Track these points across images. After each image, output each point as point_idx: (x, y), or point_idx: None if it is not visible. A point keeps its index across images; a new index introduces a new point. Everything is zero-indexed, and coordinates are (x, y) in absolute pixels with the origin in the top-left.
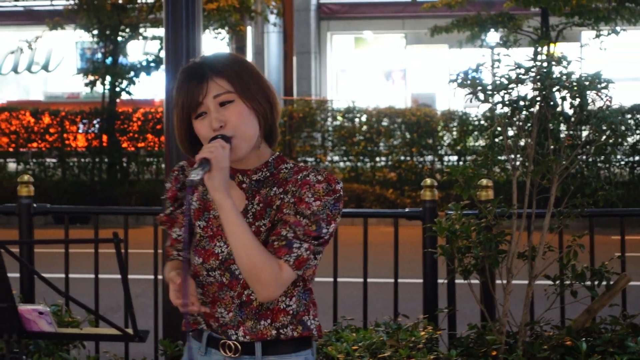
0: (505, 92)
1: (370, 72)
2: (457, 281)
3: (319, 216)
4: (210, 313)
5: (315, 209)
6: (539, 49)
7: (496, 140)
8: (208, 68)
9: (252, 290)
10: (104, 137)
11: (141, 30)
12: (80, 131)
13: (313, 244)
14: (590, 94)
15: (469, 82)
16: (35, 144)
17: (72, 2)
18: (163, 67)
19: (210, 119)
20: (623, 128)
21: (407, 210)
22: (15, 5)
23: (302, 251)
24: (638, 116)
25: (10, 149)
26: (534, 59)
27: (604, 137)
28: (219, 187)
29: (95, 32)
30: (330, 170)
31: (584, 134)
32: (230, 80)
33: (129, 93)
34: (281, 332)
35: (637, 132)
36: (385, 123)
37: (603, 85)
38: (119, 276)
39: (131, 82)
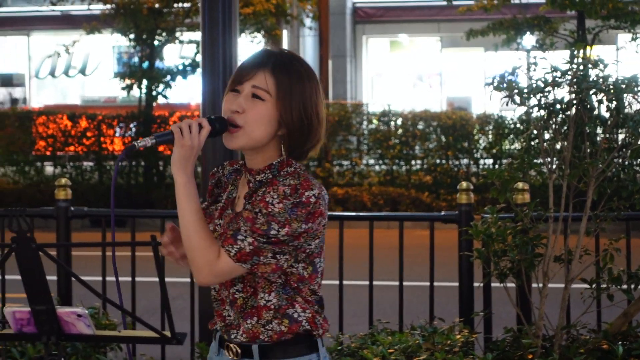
0: (542, 95)
1: (405, 76)
2: (493, 284)
3: (274, 217)
4: (219, 311)
5: (275, 210)
6: (576, 52)
7: (532, 143)
8: (272, 60)
9: (238, 289)
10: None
11: (177, 34)
12: (117, 135)
13: (259, 240)
14: (627, 97)
15: (505, 85)
16: (72, 148)
17: (109, 7)
18: (199, 70)
19: (237, 99)
20: None
21: (443, 213)
22: (53, 10)
23: (245, 244)
24: None
25: (48, 153)
26: (571, 62)
27: None
28: (176, 161)
29: (132, 36)
30: (310, 177)
31: (621, 137)
32: (277, 83)
33: (165, 97)
34: (268, 328)
35: None
36: (420, 126)
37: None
38: (156, 279)
39: (167, 85)
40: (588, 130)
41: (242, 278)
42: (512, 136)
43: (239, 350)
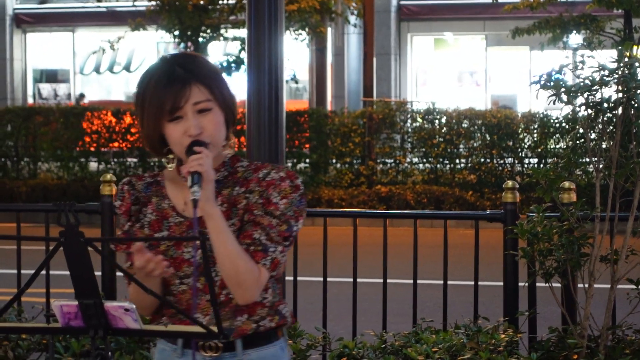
0: (589, 94)
1: (450, 74)
2: (538, 284)
3: (287, 215)
4: (185, 321)
5: (282, 208)
6: (623, 50)
7: (578, 142)
8: (191, 73)
9: (230, 291)
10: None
11: (222, 31)
12: None
13: (285, 245)
14: None
15: (552, 83)
16: (116, 144)
17: (154, 3)
18: (244, 67)
19: (187, 124)
20: None
21: (488, 212)
22: (98, 6)
23: (277, 254)
24: None
25: (92, 149)
26: (618, 61)
27: None
28: (210, 198)
29: (177, 32)
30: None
31: None
32: (210, 89)
33: None
34: (260, 324)
35: None
36: (465, 125)
37: None
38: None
39: None
40: (635, 130)
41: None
42: (557, 135)
43: (220, 345)
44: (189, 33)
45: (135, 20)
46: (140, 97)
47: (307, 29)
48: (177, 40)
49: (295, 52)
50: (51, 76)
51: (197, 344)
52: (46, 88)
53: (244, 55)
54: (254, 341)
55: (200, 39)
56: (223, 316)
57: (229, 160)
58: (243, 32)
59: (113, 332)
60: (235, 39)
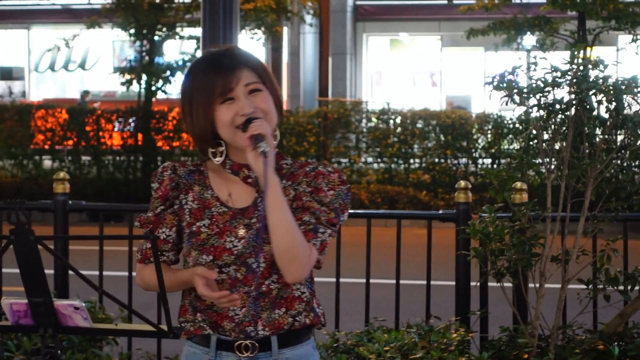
0: (541, 95)
1: (405, 74)
2: (489, 284)
3: (335, 205)
4: (223, 313)
5: (331, 198)
6: (576, 52)
7: (531, 143)
8: (238, 59)
9: (274, 280)
10: (140, 136)
11: (178, 29)
12: (115, 129)
13: (333, 229)
14: (627, 98)
15: (505, 84)
16: (71, 142)
17: (109, 1)
18: None
19: (240, 105)
20: None
21: (440, 212)
22: (53, 4)
23: (326, 236)
24: None
25: (46, 147)
26: (571, 63)
27: None
28: (270, 165)
29: (132, 31)
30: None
31: (620, 138)
32: (257, 72)
33: (165, 92)
34: (297, 319)
35: None
36: (419, 125)
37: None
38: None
39: (167, 81)
40: (587, 131)
41: (278, 269)
42: (511, 136)
43: (257, 345)
44: (144, 31)
45: (90, 18)
46: (188, 88)
47: (263, 28)
48: (132, 38)
49: (250, 51)
50: (6, 74)
51: (235, 345)
52: (1, 85)
53: (199, 54)
54: (289, 339)
55: (156, 38)
56: (262, 306)
57: (274, 155)
58: (199, 31)
59: (63, 331)
60: (190, 37)
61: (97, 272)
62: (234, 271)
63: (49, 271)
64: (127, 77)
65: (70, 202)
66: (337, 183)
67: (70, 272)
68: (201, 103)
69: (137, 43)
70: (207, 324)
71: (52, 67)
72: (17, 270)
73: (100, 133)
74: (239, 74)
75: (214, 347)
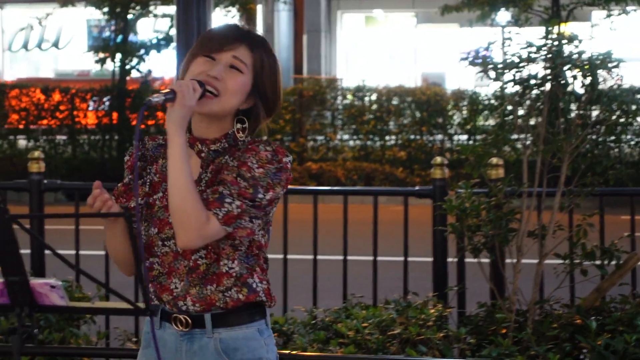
0: (516, 70)
1: (380, 51)
2: (466, 260)
3: (258, 181)
4: (165, 285)
5: (256, 174)
6: (550, 28)
7: (506, 119)
8: (250, 36)
9: (201, 255)
10: (114, 115)
11: (151, 7)
12: (90, 109)
13: (246, 203)
14: (601, 73)
15: (479, 60)
16: (45, 121)
17: None
18: (173, 45)
19: (214, 66)
20: (634, 107)
21: (417, 188)
22: None
23: (233, 207)
24: None
25: (21, 126)
26: (545, 38)
27: (615, 116)
28: (176, 121)
29: (106, 9)
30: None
31: (595, 113)
32: (255, 58)
33: (139, 71)
34: (226, 295)
35: None
36: (395, 102)
37: (614, 64)
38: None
39: (141, 59)
40: (562, 106)
41: (206, 244)
42: (486, 112)
43: (190, 321)
44: (118, 10)
45: None
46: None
47: (236, 6)
48: (106, 17)
49: (222, 25)
50: None
51: (172, 318)
52: None
53: (173, 32)
54: (225, 319)
55: (130, 16)
56: (191, 282)
57: (232, 133)
58: (172, 9)
59: (39, 309)
60: (164, 15)
61: (73, 252)
62: (174, 244)
63: (25, 251)
64: (101, 55)
65: (45, 181)
66: (265, 161)
67: (47, 251)
68: (192, 49)
69: (111, 22)
70: (154, 295)
71: (25, 47)
72: None
73: (75, 112)
74: (236, 46)
75: (158, 317)
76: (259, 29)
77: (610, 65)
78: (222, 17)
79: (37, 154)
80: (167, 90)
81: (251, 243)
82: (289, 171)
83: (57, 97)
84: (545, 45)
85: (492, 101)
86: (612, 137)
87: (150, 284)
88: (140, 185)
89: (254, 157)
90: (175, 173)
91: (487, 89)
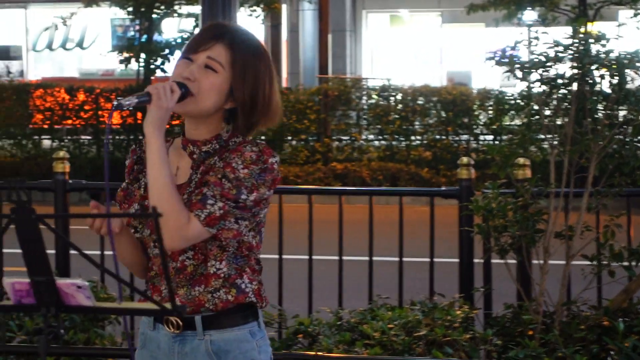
0: (543, 70)
1: (405, 51)
2: (493, 260)
3: (242, 182)
4: (157, 286)
5: (240, 175)
6: (578, 27)
7: (533, 119)
8: (229, 34)
9: (189, 256)
10: (139, 115)
11: (176, 7)
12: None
13: (229, 204)
14: (629, 73)
15: (506, 60)
16: (70, 121)
17: None
18: None
19: (188, 67)
20: None
21: (443, 188)
22: None
23: (215, 209)
24: None
25: (45, 126)
26: (573, 37)
27: None
28: (152, 122)
29: (130, 9)
30: (265, 145)
31: (622, 113)
32: (232, 57)
33: (163, 70)
34: (215, 296)
35: None
36: (420, 102)
37: None
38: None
39: (166, 59)
40: (590, 106)
41: (194, 245)
42: (512, 112)
43: (181, 323)
44: (142, 9)
45: None
46: None
47: (261, 5)
48: (131, 16)
49: (249, 28)
50: (3, 53)
51: (163, 319)
52: None
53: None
54: (215, 321)
55: (154, 16)
56: (178, 283)
57: (223, 134)
58: (197, 9)
59: (65, 310)
60: (189, 15)
61: (98, 252)
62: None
63: (50, 251)
64: (126, 55)
65: (70, 181)
66: (250, 162)
67: (72, 251)
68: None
69: (135, 21)
70: (150, 294)
71: (49, 46)
72: (19, 250)
73: (99, 112)
74: (210, 45)
75: (152, 318)
76: (284, 29)
77: (638, 64)
78: (247, 17)
79: (62, 154)
80: (141, 93)
81: (240, 244)
82: (275, 171)
83: (81, 96)
84: (572, 44)
85: (519, 101)
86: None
87: (147, 284)
88: (137, 188)
89: (239, 158)
90: (154, 174)
91: (514, 88)
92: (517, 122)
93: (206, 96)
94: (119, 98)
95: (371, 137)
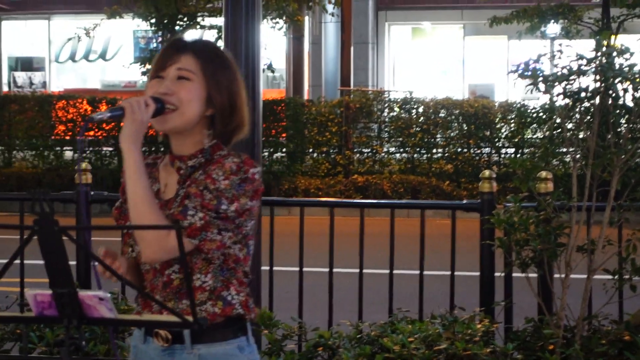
0: (567, 83)
1: (427, 63)
2: (514, 274)
3: (222, 193)
4: (147, 302)
5: (221, 186)
6: (601, 40)
7: (555, 132)
8: (190, 45)
9: (175, 270)
10: None
11: (199, 19)
12: None
13: (209, 215)
14: None
15: (529, 72)
16: (92, 133)
17: None
18: None
19: (161, 84)
20: None
21: (465, 202)
22: None
23: (196, 219)
24: None
25: (67, 137)
26: (596, 50)
27: None
28: (128, 136)
29: (153, 20)
30: (248, 157)
31: None
32: (201, 64)
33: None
34: (202, 309)
35: None
36: (442, 114)
37: None
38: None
39: None
40: (612, 120)
41: (179, 259)
42: (534, 125)
43: (169, 336)
44: (165, 21)
45: (111, 8)
46: None
47: (284, 18)
48: (153, 28)
49: (272, 40)
50: (26, 64)
51: (153, 332)
52: (21, 76)
53: (220, 44)
54: (204, 335)
55: (177, 27)
56: (165, 297)
57: (209, 148)
58: (220, 21)
59: (87, 322)
60: (212, 27)
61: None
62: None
63: (71, 262)
64: (148, 67)
65: (92, 192)
66: (230, 172)
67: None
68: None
69: (158, 33)
70: (139, 308)
71: (72, 58)
72: (41, 262)
73: (121, 124)
74: (178, 58)
75: (143, 331)
76: (306, 41)
77: None
78: (269, 29)
79: (84, 165)
80: (115, 107)
81: (227, 257)
82: (256, 182)
83: (103, 108)
84: (595, 57)
85: (541, 114)
86: None
87: (139, 299)
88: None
89: (219, 169)
90: (132, 188)
91: (536, 101)
92: (540, 135)
93: (187, 105)
94: (93, 115)
95: (392, 149)
